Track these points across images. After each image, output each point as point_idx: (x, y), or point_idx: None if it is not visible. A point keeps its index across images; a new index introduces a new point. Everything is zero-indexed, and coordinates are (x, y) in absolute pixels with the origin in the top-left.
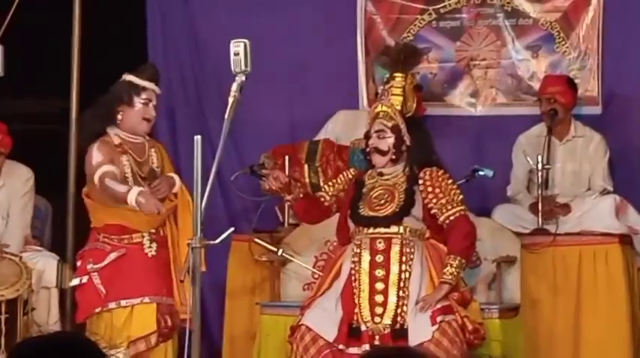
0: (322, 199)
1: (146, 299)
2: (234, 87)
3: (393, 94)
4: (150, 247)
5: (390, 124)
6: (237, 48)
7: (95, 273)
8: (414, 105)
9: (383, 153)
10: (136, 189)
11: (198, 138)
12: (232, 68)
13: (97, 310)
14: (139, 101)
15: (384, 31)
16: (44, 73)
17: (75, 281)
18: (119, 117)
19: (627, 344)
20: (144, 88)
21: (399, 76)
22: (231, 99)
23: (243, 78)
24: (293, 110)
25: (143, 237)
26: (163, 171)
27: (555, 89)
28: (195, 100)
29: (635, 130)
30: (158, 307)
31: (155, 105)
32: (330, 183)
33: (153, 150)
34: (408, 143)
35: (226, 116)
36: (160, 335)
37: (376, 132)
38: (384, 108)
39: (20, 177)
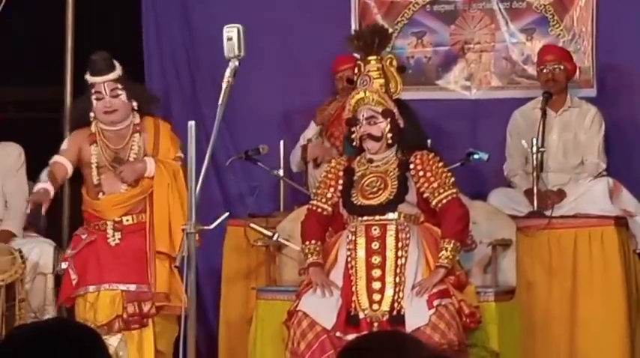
0: (325, 213)
1: (105, 286)
2: (228, 72)
3: (374, 78)
4: (113, 236)
5: (379, 109)
6: (231, 33)
7: (70, 259)
8: (400, 86)
9: (376, 138)
10: (39, 185)
11: (192, 123)
12: (225, 53)
13: (71, 295)
14: (93, 99)
15: (378, 15)
16: (37, 60)
17: (62, 266)
18: (91, 114)
19: (623, 325)
20: (92, 84)
21: (373, 59)
22: (224, 85)
23: (237, 63)
24: (287, 95)
25: (106, 225)
26: (155, 153)
27: (557, 55)
28: (189, 87)
29: (630, 112)
30: (124, 294)
31: (112, 93)
32: (323, 194)
33: (137, 135)
34: (401, 125)
35: (220, 101)
36: (130, 322)
37: (366, 119)
38: (369, 94)
39: (11, 155)
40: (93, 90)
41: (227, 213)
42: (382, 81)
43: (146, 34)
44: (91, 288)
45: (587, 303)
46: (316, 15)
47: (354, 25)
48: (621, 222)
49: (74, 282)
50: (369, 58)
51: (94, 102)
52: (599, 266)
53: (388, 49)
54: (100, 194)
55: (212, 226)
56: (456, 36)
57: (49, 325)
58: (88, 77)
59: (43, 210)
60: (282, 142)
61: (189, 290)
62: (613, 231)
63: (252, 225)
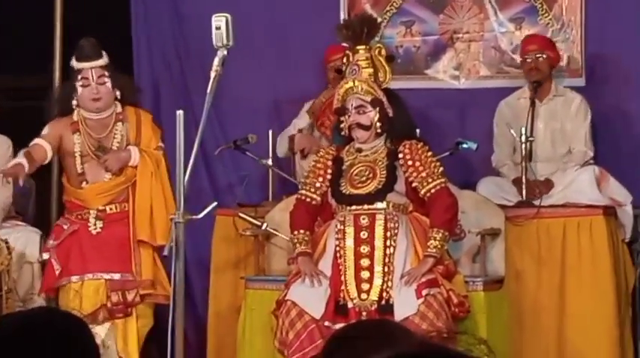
0: (314, 203)
1: (89, 275)
2: (216, 61)
3: (362, 68)
4: (95, 225)
5: (368, 98)
6: (219, 22)
7: (53, 249)
8: (388, 75)
9: (365, 127)
10: (16, 159)
11: (180, 113)
12: (214, 42)
13: (54, 286)
14: (79, 85)
15: (367, 4)
16: (25, 48)
17: (43, 256)
18: (74, 103)
19: (612, 314)
20: (79, 70)
21: (362, 49)
22: (213, 74)
23: (225, 52)
24: (276, 84)
25: (89, 214)
26: (137, 142)
27: (542, 44)
28: (178, 76)
29: (618, 101)
30: (108, 283)
31: (99, 79)
32: (312, 184)
33: (119, 124)
34: (390, 114)
35: (208, 90)
36: (114, 311)
37: (355, 108)
38: (358, 83)
39: (1, 147)
40: (80, 77)
41: (215, 203)
42: (371, 70)
43: (135, 23)
44: (75, 278)
45: (576, 293)
46: (305, 4)
47: (343, 15)
48: (610, 212)
49: (57, 272)
50: (358, 47)
51: (80, 89)
52: (588, 255)
53: (377, 39)
54: (84, 183)
55: (200, 216)
56: (444, 25)
57: (36, 314)
58: (75, 63)
59: (21, 182)
60: (270, 132)
61: (177, 280)
62: (602, 221)
63: (240, 214)
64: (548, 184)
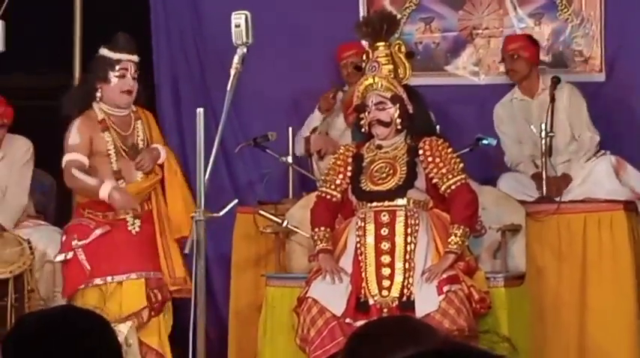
0: (334, 200)
1: (133, 276)
2: (236, 59)
3: (382, 64)
4: (133, 224)
5: (388, 95)
6: (239, 20)
7: (80, 249)
8: (408, 72)
9: (386, 124)
10: (107, 184)
11: (200, 110)
12: (233, 40)
13: (81, 286)
14: (114, 75)
15: (386, 1)
16: (46, 47)
17: (60, 258)
18: (98, 94)
19: (633, 310)
20: (117, 61)
21: (381, 46)
22: (233, 71)
23: (245, 50)
24: (295, 81)
25: (127, 213)
26: (151, 141)
27: (516, 45)
28: (198, 73)
29: (638, 96)
30: (147, 282)
31: (135, 74)
32: (332, 181)
33: (139, 122)
34: (410, 111)
35: (228, 88)
36: (152, 309)
37: (375, 104)
38: (378, 80)
39: (20, 149)
40: (118, 67)
41: (236, 201)
42: (391, 67)
43: (155, 21)
44: (109, 279)
45: (597, 288)
46: (325, 1)
47: (362, 12)
48: (631, 207)
49: (87, 272)
50: (378, 44)
51: (114, 79)
52: (609, 251)
53: (396, 35)
54: (121, 181)
55: (221, 213)
56: (464, 21)
57: (57, 313)
58: (111, 53)
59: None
60: (290, 129)
61: (198, 278)
62: (622, 216)
63: (261, 212)
64: (566, 179)
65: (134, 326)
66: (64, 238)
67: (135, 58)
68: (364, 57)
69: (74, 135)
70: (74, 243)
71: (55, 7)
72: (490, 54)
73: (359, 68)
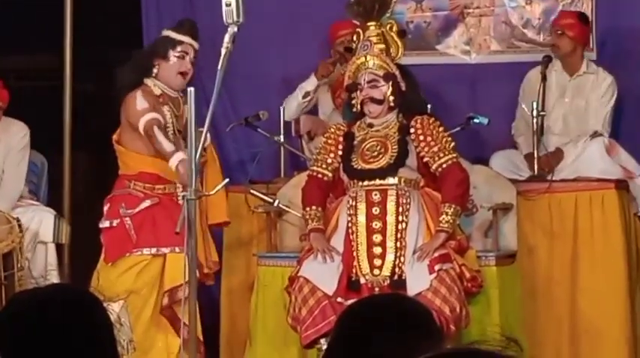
0: (326, 179)
1: (177, 249)
2: (227, 38)
3: (374, 43)
4: (182, 198)
5: (381, 73)
6: None
7: (127, 218)
8: (401, 50)
9: (378, 101)
10: (180, 155)
11: (191, 90)
12: (224, 19)
13: (127, 254)
14: (174, 54)
15: None
16: (38, 28)
17: (105, 224)
18: (155, 70)
19: (624, 288)
20: (180, 42)
21: (373, 25)
22: (224, 50)
23: (236, 29)
24: (287, 60)
25: (177, 188)
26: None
27: (564, 22)
28: None
29: (630, 76)
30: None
31: (193, 59)
32: (323, 160)
33: (186, 106)
34: (403, 89)
35: (219, 67)
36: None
37: (368, 82)
38: (370, 58)
39: (17, 134)
40: (179, 48)
41: (227, 180)
42: (383, 46)
43: (146, 1)
44: (154, 250)
45: (588, 267)
46: None
47: None
48: (622, 185)
49: (133, 240)
50: (369, 24)
51: (173, 58)
52: (600, 229)
53: (388, 15)
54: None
55: (212, 193)
56: (455, 0)
57: (49, 291)
58: (176, 34)
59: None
60: (282, 108)
61: (190, 257)
62: (614, 195)
63: (252, 191)
64: (558, 155)
65: (126, 306)
66: (107, 206)
67: (196, 44)
68: (354, 37)
69: (140, 101)
70: (122, 211)
71: None
72: (481, 33)
73: (349, 49)
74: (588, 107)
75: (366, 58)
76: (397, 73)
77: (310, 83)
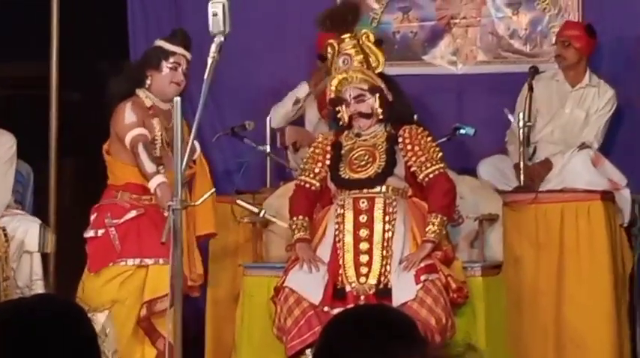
0: (313, 188)
1: (161, 261)
2: (213, 48)
3: (353, 56)
4: (168, 209)
5: (365, 86)
6: (216, 8)
7: (112, 228)
8: (381, 60)
9: (367, 115)
10: (159, 178)
11: (177, 99)
12: (211, 29)
13: (110, 264)
14: (166, 65)
15: None
16: (24, 37)
17: (89, 233)
18: (148, 81)
19: (610, 300)
20: (172, 53)
21: (347, 37)
22: (210, 60)
23: (222, 39)
24: (273, 71)
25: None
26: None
27: (571, 33)
28: None
29: (617, 87)
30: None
31: (185, 70)
32: (311, 169)
33: None
34: (390, 99)
35: (205, 77)
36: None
37: (354, 98)
38: (353, 74)
39: (4, 144)
40: (172, 59)
41: (213, 190)
42: (361, 57)
43: (131, 9)
44: (137, 261)
45: (574, 278)
46: None
47: (339, 1)
48: (608, 197)
49: (117, 250)
50: (343, 36)
51: (166, 69)
52: (586, 240)
53: (375, 25)
54: (161, 167)
55: (198, 203)
56: (442, 11)
57: (35, 301)
58: (168, 45)
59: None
60: (268, 118)
61: (175, 267)
62: (600, 206)
63: (238, 201)
64: (546, 165)
65: (111, 316)
66: (94, 216)
67: (189, 55)
68: (329, 49)
69: (129, 114)
70: (107, 220)
71: None
72: (468, 43)
73: (323, 58)
74: (588, 119)
75: (347, 74)
76: (382, 84)
77: (302, 90)
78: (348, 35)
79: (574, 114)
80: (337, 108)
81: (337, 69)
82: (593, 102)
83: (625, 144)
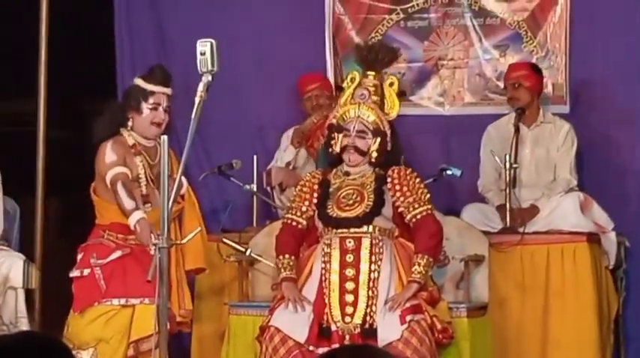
0: (300, 227)
1: (146, 301)
2: (201, 86)
3: (372, 94)
4: (154, 247)
5: (371, 127)
6: (204, 47)
7: (98, 268)
8: (395, 108)
9: (362, 152)
10: (138, 213)
11: (164, 138)
12: (199, 68)
13: (95, 304)
14: (146, 107)
15: (353, 31)
16: (11, 74)
17: (75, 273)
18: (129, 123)
19: (595, 342)
20: (151, 92)
21: (372, 75)
22: (197, 99)
23: (210, 77)
24: (261, 110)
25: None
26: (172, 174)
27: (519, 73)
28: None
29: (603, 129)
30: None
31: (166, 107)
32: (298, 208)
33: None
34: (389, 148)
35: (193, 115)
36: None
37: (357, 131)
38: (367, 110)
39: None
40: (151, 100)
41: (199, 228)
42: (377, 98)
43: (119, 47)
44: (123, 301)
45: (560, 320)
46: (290, 30)
47: (328, 41)
48: (594, 239)
49: (102, 290)
50: (369, 72)
51: (146, 110)
52: (572, 282)
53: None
54: (148, 205)
55: (185, 241)
56: (429, 52)
57: (19, 338)
58: (147, 85)
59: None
60: (255, 157)
61: (161, 305)
62: (585, 248)
63: (225, 240)
64: (533, 211)
65: (96, 354)
66: (80, 255)
67: (169, 91)
68: (349, 80)
69: (109, 154)
70: (92, 260)
71: (20, 33)
72: (455, 85)
73: (340, 88)
74: (549, 156)
75: (359, 107)
76: (388, 131)
77: (289, 153)
78: (373, 74)
79: (535, 153)
80: (332, 135)
81: (352, 99)
82: (552, 138)
83: (614, 184)
